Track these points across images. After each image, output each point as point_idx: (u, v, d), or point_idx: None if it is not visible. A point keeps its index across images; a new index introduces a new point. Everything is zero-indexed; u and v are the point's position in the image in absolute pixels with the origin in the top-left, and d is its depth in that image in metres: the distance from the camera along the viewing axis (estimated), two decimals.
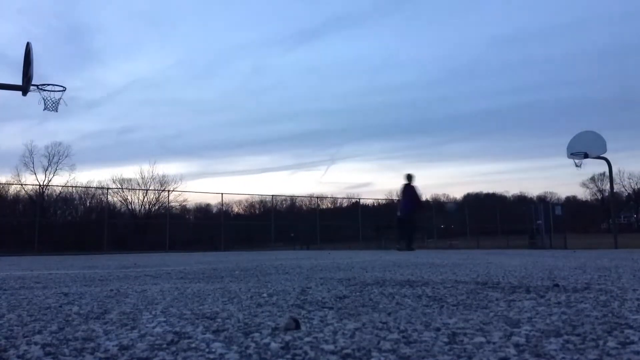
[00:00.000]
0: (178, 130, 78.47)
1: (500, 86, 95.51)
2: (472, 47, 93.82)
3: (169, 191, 30.59)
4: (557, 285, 2.43)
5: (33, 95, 11.79)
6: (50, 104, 11.92)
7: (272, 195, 26.85)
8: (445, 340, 1.15)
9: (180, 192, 32.42)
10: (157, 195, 34.77)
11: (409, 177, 13.07)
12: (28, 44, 11.62)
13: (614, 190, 21.10)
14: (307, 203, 31.80)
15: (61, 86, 12.07)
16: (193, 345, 1.12)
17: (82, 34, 72.78)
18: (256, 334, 1.24)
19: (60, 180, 37.55)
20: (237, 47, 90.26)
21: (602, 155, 16.55)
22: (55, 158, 37.46)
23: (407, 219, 12.71)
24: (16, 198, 28.27)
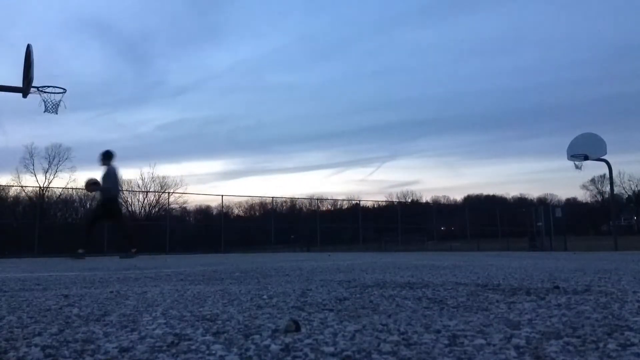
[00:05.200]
0: (258, 121, 72.68)
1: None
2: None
3: (169, 193, 30.61)
4: (557, 287, 2.43)
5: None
6: (50, 106, 11.93)
7: (272, 197, 26.86)
8: (446, 342, 1.14)
9: (180, 194, 32.45)
10: (157, 197, 34.79)
11: None
12: (28, 46, 11.63)
13: (614, 192, 21.09)
14: (307, 205, 31.77)
15: (61, 88, 12.08)
16: (193, 347, 1.12)
17: (211, 4, 64.81)
18: (256, 336, 1.24)
19: (60, 182, 37.57)
20: (368, 22, 78.87)
21: (602, 157, 16.56)
22: (55, 160, 37.52)
23: None
24: (16, 200, 28.27)
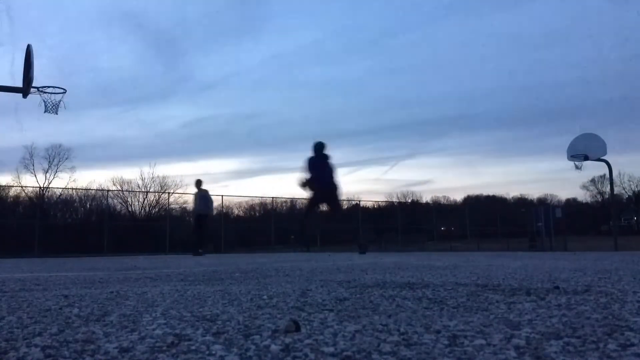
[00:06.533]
0: (282, 118, 70.00)
1: None
2: None
3: (169, 193, 30.63)
4: (557, 287, 2.43)
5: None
6: (50, 107, 11.94)
7: (272, 197, 26.85)
8: (446, 342, 1.14)
9: (180, 194, 32.45)
10: (157, 197, 34.79)
11: None
12: (28, 47, 11.63)
13: (614, 193, 21.12)
14: None
15: (61, 88, 12.09)
16: (193, 347, 1.12)
17: None
18: (256, 336, 1.24)
19: (61, 182, 37.56)
20: (411, 15, 74.51)
21: (602, 158, 16.56)
22: (55, 160, 37.54)
23: None
24: (16, 200, 28.29)
